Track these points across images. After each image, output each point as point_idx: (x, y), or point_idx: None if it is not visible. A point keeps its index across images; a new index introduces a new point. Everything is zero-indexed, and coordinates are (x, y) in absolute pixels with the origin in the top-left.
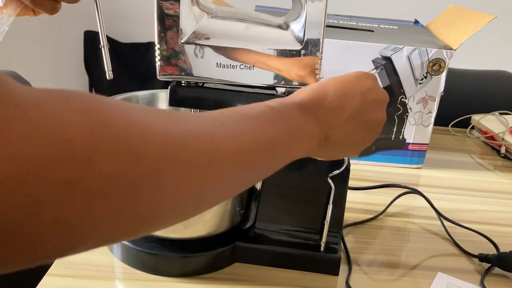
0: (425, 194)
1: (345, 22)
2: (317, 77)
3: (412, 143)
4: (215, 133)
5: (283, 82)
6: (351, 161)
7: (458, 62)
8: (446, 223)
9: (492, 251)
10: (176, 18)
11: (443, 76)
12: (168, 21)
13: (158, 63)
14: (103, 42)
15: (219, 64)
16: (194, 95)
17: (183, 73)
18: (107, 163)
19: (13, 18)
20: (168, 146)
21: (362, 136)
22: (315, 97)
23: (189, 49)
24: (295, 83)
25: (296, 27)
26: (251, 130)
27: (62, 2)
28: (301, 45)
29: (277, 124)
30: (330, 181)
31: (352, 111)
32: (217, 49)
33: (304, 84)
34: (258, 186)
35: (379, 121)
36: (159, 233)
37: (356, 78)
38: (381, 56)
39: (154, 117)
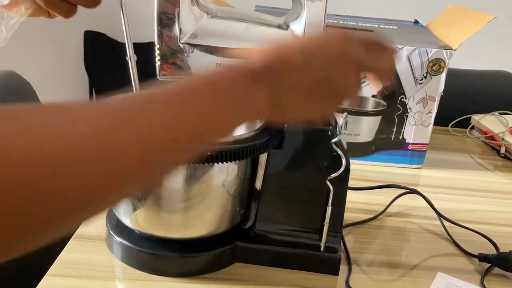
0: (425, 194)
1: (345, 22)
2: None
3: (412, 143)
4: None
5: None
6: (351, 161)
7: (458, 62)
8: (446, 223)
9: (492, 251)
10: (176, 18)
11: (443, 76)
12: (168, 21)
13: (158, 63)
14: (129, 53)
15: (219, 64)
16: None
17: (183, 73)
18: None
19: (24, 18)
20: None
21: (321, 103)
22: (274, 62)
23: (189, 49)
24: None
25: (296, 27)
26: (165, 125)
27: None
28: None
29: (210, 101)
30: (328, 183)
31: (312, 82)
32: (217, 49)
33: None
34: (259, 186)
35: (345, 90)
36: (159, 233)
37: (322, 41)
38: None
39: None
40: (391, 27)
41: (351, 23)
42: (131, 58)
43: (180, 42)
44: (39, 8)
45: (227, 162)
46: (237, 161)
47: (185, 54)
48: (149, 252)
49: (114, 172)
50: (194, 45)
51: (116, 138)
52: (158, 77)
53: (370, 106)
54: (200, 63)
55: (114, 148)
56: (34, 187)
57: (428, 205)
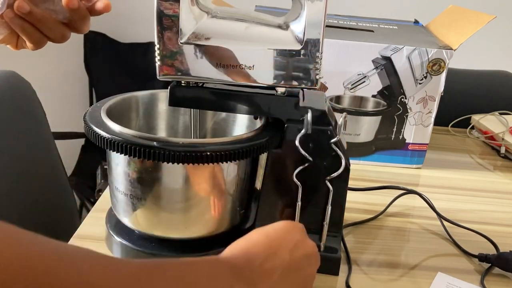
0: (425, 194)
1: (345, 22)
2: (317, 77)
3: (412, 143)
4: None
5: (282, 82)
6: (351, 161)
7: (458, 62)
8: (446, 223)
9: (492, 251)
10: (175, 18)
11: (443, 76)
12: (167, 21)
13: (158, 63)
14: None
15: (219, 64)
16: (194, 95)
17: (183, 73)
18: None
19: None
20: None
21: None
22: (245, 259)
23: (189, 49)
24: (295, 83)
25: (296, 27)
26: None
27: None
28: (301, 45)
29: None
30: (328, 183)
31: (282, 271)
32: (217, 49)
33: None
34: (259, 186)
35: (309, 276)
36: (159, 233)
37: (284, 232)
38: (381, 56)
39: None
40: (391, 27)
41: (351, 23)
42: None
43: (180, 42)
44: (10, 35)
45: (227, 162)
46: (237, 161)
47: (185, 54)
48: (149, 252)
49: None
50: (194, 45)
51: None
52: (158, 77)
53: (370, 106)
54: (200, 63)
55: None
56: None
57: (428, 205)
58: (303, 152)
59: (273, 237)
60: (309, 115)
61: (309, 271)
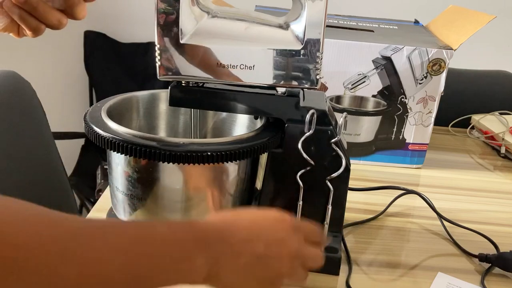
0: (425, 194)
1: (345, 22)
2: (317, 77)
3: (412, 143)
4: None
5: (283, 82)
6: (351, 161)
7: (458, 62)
8: (446, 223)
9: (492, 251)
10: (176, 18)
11: (443, 76)
12: (168, 21)
13: (158, 63)
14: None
15: (219, 64)
16: (194, 95)
17: (183, 73)
18: None
19: None
20: None
21: (256, 282)
22: (220, 233)
23: (189, 49)
24: (295, 83)
25: (296, 27)
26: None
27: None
28: (301, 45)
29: (157, 254)
30: (328, 183)
31: (250, 260)
32: (217, 49)
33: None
34: (259, 186)
35: (278, 277)
36: None
37: (271, 223)
38: (381, 56)
39: None
40: (391, 27)
41: (351, 23)
42: None
43: (180, 42)
44: (11, 24)
45: (227, 162)
46: (238, 161)
47: (185, 54)
48: None
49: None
50: (194, 45)
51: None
52: (158, 77)
53: (370, 106)
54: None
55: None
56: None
57: (428, 205)
58: (305, 156)
59: (258, 224)
60: (308, 115)
61: (279, 271)
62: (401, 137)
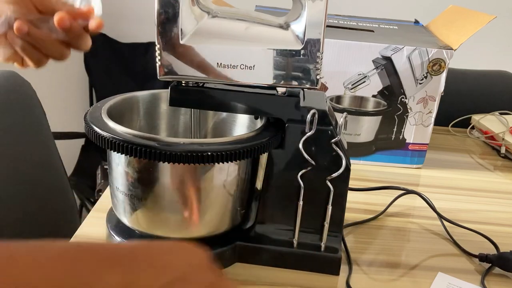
0: (425, 194)
1: (345, 22)
2: (317, 77)
3: (412, 143)
4: None
5: (283, 82)
6: (351, 161)
7: (458, 62)
8: (446, 223)
9: (492, 251)
10: (176, 18)
11: (443, 76)
12: (168, 21)
13: (158, 63)
14: None
15: (219, 64)
16: (194, 95)
17: (183, 73)
18: None
19: None
20: None
21: None
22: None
23: (190, 49)
24: (295, 83)
25: (297, 27)
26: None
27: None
28: (302, 45)
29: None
30: (328, 183)
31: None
32: (218, 49)
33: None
34: (259, 186)
35: None
36: (160, 233)
37: (173, 256)
38: (381, 56)
39: None
40: (391, 27)
41: (351, 23)
42: None
43: (180, 42)
44: (15, 54)
45: (227, 162)
46: (238, 161)
47: (185, 54)
48: None
49: None
50: (194, 45)
51: None
52: (158, 77)
53: (370, 106)
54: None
55: None
56: None
57: (428, 205)
58: (306, 156)
59: (160, 255)
60: (309, 115)
61: None
62: (401, 137)
